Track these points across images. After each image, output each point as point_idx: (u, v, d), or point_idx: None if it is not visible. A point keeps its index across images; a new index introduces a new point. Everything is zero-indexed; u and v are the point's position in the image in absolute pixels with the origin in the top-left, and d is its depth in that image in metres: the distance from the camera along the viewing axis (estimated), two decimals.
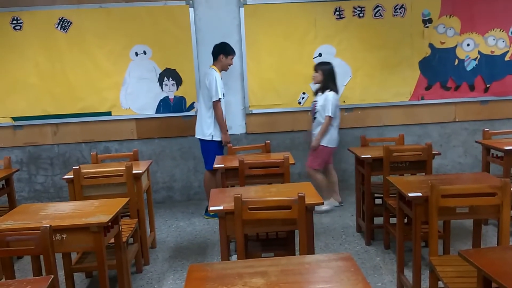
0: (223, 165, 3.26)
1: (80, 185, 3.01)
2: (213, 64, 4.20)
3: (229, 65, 4.24)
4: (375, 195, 3.61)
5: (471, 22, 4.88)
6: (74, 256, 2.89)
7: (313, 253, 2.33)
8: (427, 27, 4.87)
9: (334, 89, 4.17)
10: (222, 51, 4.16)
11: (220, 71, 4.18)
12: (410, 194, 2.34)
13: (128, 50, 4.67)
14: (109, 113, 4.75)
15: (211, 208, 2.27)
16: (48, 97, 4.68)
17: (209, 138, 4.18)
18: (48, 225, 1.92)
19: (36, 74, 4.64)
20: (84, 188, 3.04)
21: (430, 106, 5.02)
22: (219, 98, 4.06)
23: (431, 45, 4.90)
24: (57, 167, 4.84)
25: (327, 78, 4.17)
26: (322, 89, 4.19)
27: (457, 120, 5.08)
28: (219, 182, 4.26)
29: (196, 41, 4.64)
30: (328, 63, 4.27)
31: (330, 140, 4.19)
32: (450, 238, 3.06)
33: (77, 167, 3.03)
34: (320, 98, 4.18)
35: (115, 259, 2.59)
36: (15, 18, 4.55)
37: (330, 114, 4.09)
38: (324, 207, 4.24)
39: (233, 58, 4.24)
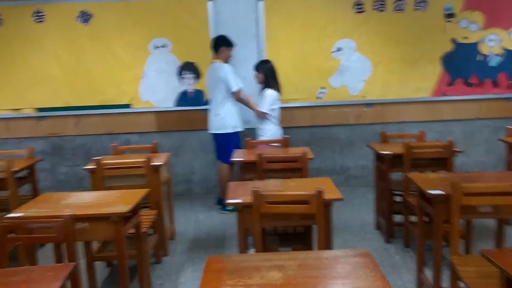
0: (242, 159, 3.26)
1: (101, 175, 3.04)
2: (215, 58, 4.23)
3: (231, 57, 4.27)
4: (395, 192, 3.55)
5: (495, 17, 4.74)
6: (94, 246, 2.94)
7: (331, 249, 2.31)
8: (449, 21, 4.76)
9: (275, 86, 4.11)
10: (224, 43, 4.20)
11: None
12: (431, 192, 2.29)
13: (147, 43, 4.71)
14: (128, 106, 4.80)
15: (229, 201, 2.27)
16: (69, 89, 4.75)
17: (231, 130, 4.20)
18: (70, 214, 1.95)
19: (57, 67, 4.71)
20: (105, 179, 3.07)
21: (452, 103, 4.91)
22: (240, 88, 4.14)
23: (453, 40, 4.79)
24: (79, 157, 4.92)
25: (267, 76, 4.11)
26: (263, 87, 4.14)
27: (480, 117, 4.97)
28: (235, 176, 4.30)
29: (215, 35, 4.61)
30: (267, 61, 4.20)
31: (271, 137, 4.07)
32: (472, 238, 3.00)
33: (99, 158, 3.07)
34: (260, 97, 4.13)
35: (135, 249, 2.62)
36: (37, 11, 4.63)
37: (263, 110, 4.04)
38: None
39: (232, 49, 4.26)
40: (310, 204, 2.12)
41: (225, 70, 4.13)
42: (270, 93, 4.06)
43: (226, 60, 4.24)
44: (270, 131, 4.09)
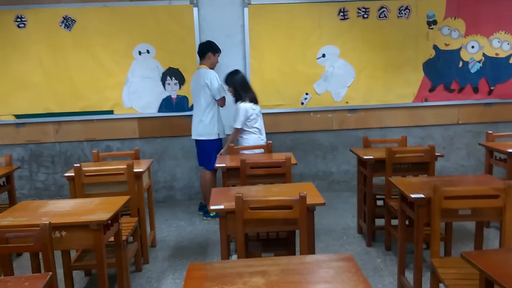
0: (224, 165, 3.25)
1: (81, 183, 3.00)
2: (201, 64, 4.24)
3: (216, 63, 4.28)
4: (377, 196, 3.59)
5: (476, 24, 4.85)
6: (73, 254, 2.89)
7: (314, 254, 2.31)
8: (432, 28, 4.85)
9: (247, 97, 3.95)
10: (210, 49, 4.21)
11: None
12: (412, 196, 2.32)
13: (131, 49, 4.67)
14: (111, 112, 4.75)
15: (212, 207, 2.26)
16: (51, 95, 4.69)
17: (214, 137, 4.19)
18: (47, 222, 1.91)
19: (39, 72, 4.64)
20: (85, 186, 3.03)
21: (433, 108, 4.99)
22: (224, 95, 4.15)
23: (435, 47, 4.88)
24: (58, 165, 4.84)
25: (237, 89, 4.01)
26: (235, 101, 4.05)
27: (460, 122, 5.06)
28: (218, 182, 4.28)
29: (199, 41, 4.62)
30: (236, 72, 4.08)
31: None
32: (452, 240, 3.04)
33: (79, 165, 3.02)
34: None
35: (114, 257, 2.58)
36: (19, 16, 4.56)
37: (236, 126, 3.94)
38: None
39: (219, 56, 4.27)
40: (293, 209, 2.13)
41: (210, 76, 4.13)
42: (241, 107, 3.93)
43: (212, 66, 4.25)
44: (250, 141, 3.99)
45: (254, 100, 4.05)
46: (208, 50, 4.21)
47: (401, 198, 2.59)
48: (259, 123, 4.07)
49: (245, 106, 3.95)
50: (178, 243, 3.76)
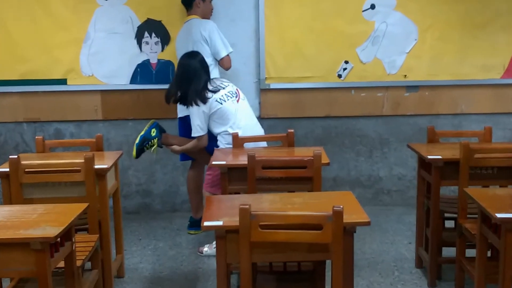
0: (225, 162, 3.25)
1: (19, 182, 3.03)
2: (191, 14, 4.35)
3: (211, 10, 4.40)
4: (446, 215, 3.59)
5: None
6: (6, 284, 2.92)
7: None
8: None
9: (194, 98, 3.83)
10: None
11: None
12: (498, 215, 2.32)
13: None
14: (64, 81, 4.80)
15: (206, 224, 2.26)
16: None
17: None
18: None
19: None
20: (24, 187, 3.06)
21: None
22: (229, 52, 4.27)
23: None
24: None
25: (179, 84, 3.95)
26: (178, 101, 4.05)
27: None
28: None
29: None
30: (192, 56, 3.98)
31: (228, 145, 3.85)
32: None
33: (16, 156, 3.05)
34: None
35: None
36: None
37: (196, 135, 3.90)
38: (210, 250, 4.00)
39: (211, 1, 4.38)
40: (324, 230, 2.13)
41: (209, 27, 4.19)
42: (193, 111, 3.87)
43: (204, 17, 4.32)
44: (227, 138, 3.86)
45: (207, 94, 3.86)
46: None
47: (482, 219, 2.59)
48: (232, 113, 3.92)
49: (195, 107, 3.86)
50: (156, 273, 3.79)
